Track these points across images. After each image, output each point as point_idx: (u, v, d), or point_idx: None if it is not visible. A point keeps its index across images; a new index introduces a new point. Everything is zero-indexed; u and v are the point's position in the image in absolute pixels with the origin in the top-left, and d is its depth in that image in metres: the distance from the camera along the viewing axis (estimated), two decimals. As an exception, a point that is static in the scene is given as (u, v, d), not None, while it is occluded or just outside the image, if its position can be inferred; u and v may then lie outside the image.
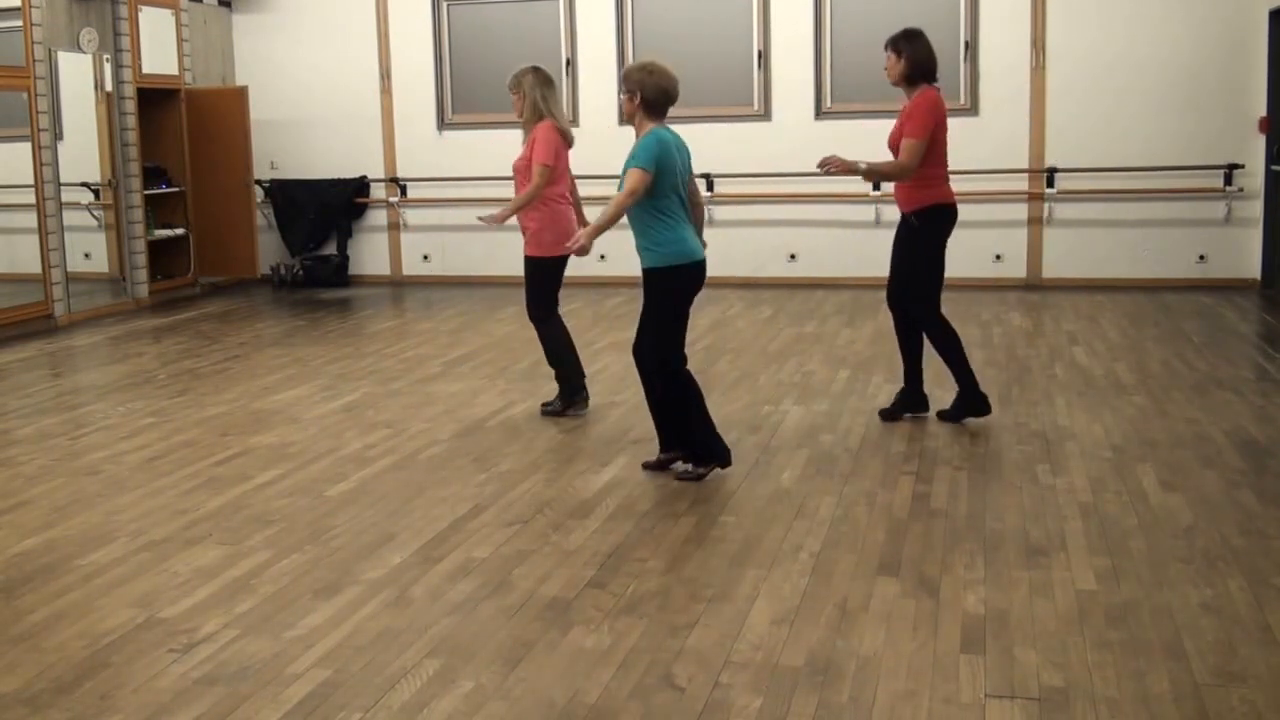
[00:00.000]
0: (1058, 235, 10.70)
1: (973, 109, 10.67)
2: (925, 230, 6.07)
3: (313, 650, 3.68)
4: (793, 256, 11.08)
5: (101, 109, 10.58)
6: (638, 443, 5.91)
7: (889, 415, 6.29)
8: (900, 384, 6.41)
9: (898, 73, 6.11)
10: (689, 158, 5.32)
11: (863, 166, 6.05)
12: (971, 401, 6.17)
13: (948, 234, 6.14)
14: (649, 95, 5.23)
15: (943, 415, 6.23)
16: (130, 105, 10.67)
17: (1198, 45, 10.23)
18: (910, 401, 6.33)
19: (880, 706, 3.26)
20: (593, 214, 5.93)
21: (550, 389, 6.70)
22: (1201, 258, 10.46)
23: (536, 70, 6.44)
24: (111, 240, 10.76)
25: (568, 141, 6.41)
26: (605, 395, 6.93)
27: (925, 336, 6.21)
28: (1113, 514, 4.76)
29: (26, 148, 9.58)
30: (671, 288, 5.21)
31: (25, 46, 9.52)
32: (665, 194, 5.15)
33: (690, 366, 7.57)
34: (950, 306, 9.64)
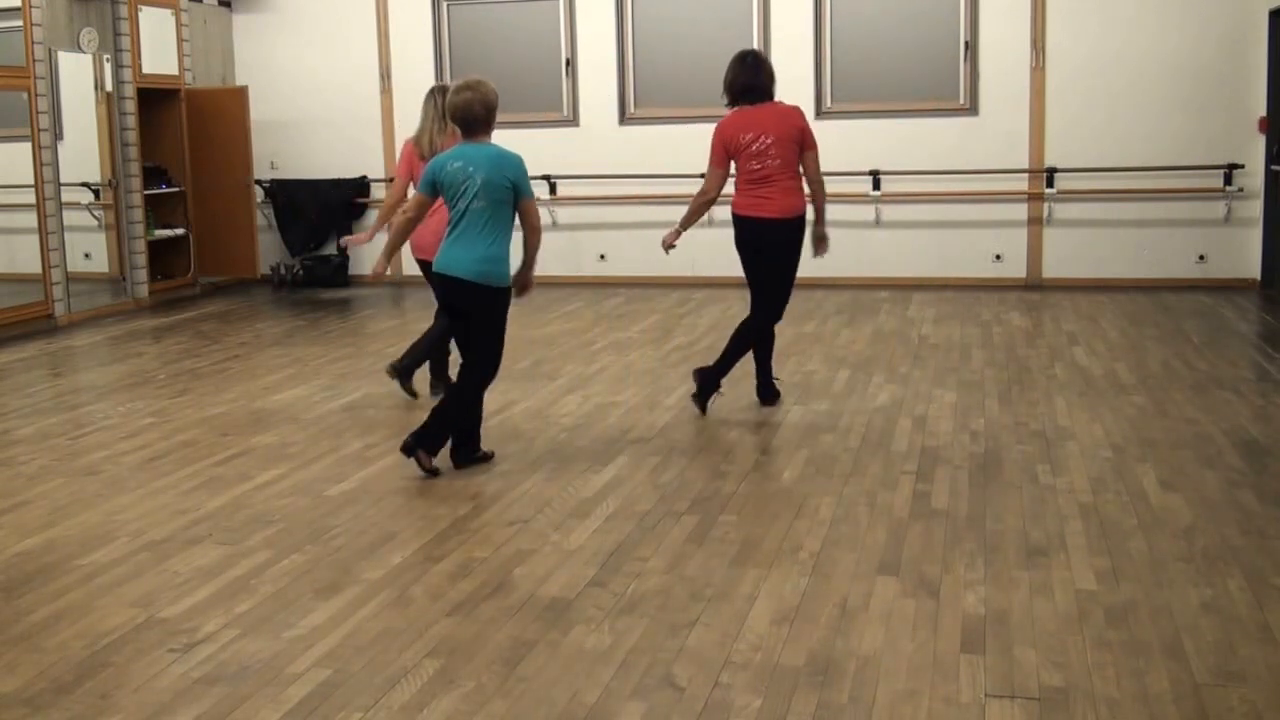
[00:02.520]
0: (1058, 235, 10.70)
1: (972, 109, 10.67)
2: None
3: (313, 650, 3.68)
4: (793, 256, 11.06)
5: (102, 109, 10.58)
6: (637, 442, 5.92)
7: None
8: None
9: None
10: (489, 173, 5.26)
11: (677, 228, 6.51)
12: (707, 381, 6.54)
13: (741, 242, 6.43)
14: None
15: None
16: (130, 105, 10.67)
17: (1198, 45, 10.23)
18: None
19: (880, 706, 3.26)
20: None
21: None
22: (1201, 258, 10.46)
23: None
24: (112, 240, 10.77)
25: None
26: (605, 395, 6.93)
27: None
28: (1113, 514, 4.76)
29: (27, 148, 9.58)
30: None
31: (25, 46, 9.52)
32: (450, 207, 5.41)
33: (691, 367, 7.57)
34: (951, 306, 9.72)
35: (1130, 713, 3.20)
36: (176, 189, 11.27)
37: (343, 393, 7.18)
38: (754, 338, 6.50)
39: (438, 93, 6.70)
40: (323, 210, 12.07)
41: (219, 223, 11.46)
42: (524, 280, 5.54)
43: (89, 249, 10.63)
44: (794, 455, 5.68)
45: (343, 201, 12.08)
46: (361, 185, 12.13)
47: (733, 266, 11.40)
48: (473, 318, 5.43)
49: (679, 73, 11.30)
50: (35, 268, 9.72)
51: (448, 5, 11.79)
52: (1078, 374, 7.24)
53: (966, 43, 10.63)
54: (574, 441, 6.01)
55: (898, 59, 10.73)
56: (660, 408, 6.62)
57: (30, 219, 9.66)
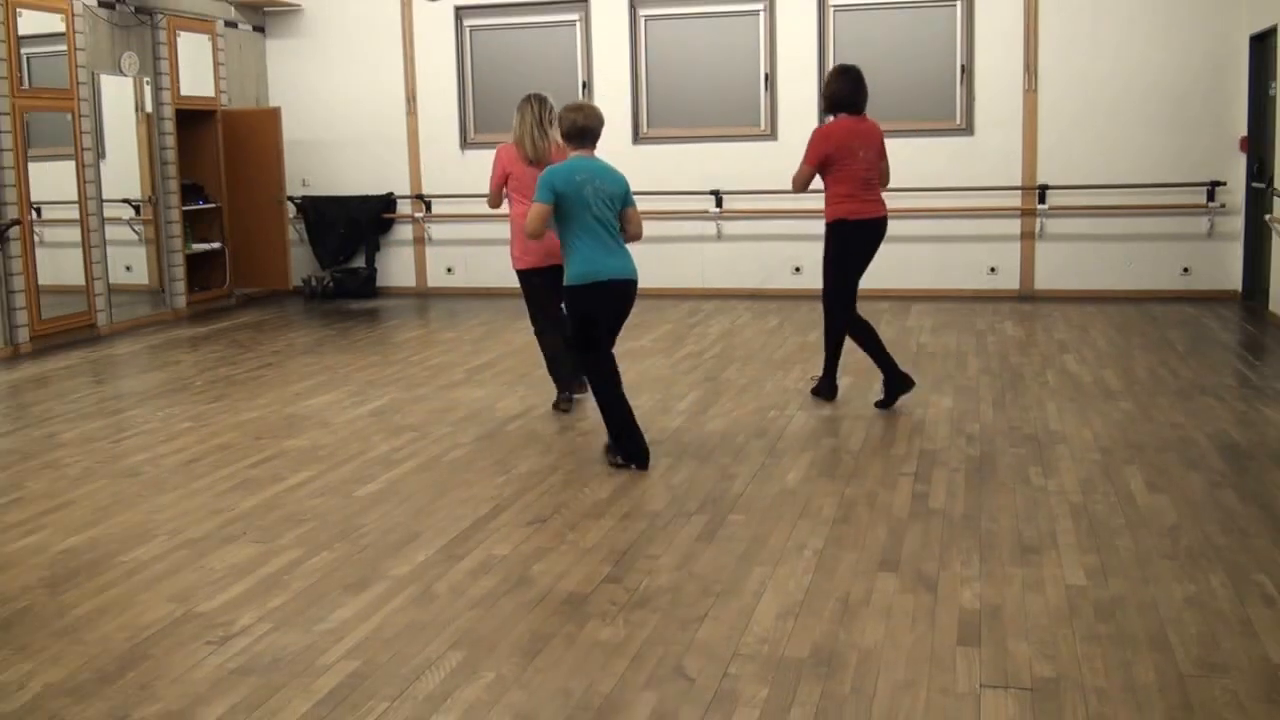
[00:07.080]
0: (1049, 249, 10.68)
1: (968, 129, 10.66)
2: (830, 241, 6.58)
3: (342, 643, 3.70)
4: (798, 269, 11.07)
5: (142, 129, 10.63)
6: (650, 445, 5.91)
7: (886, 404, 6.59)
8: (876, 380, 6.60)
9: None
10: (609, 183, 5.56)
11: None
12: (892, 384, 6.58)
13: (851, 247, 6.57)
14: (564, 129, 5.64)
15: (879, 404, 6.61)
16: (169, 125, 10.72)
17: (1182, 69, 10.22)
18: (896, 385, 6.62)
19: (880, 696, 3.27)
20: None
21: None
22: (1185, 270, 10.44)
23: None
24: (151, 254, 10.80)
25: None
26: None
27: (844, 332, 6.72)
28: (1101, 514, 4.76)
29: (71, 166, 9.63)
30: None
31: (70, 70, 9.57)
32: (572, 218, 5.49)
33: (701, 374, 7.60)
34: (947, 316, 9.72)
35: (1118, 702, 3.20)
36: (213, 205, 11.31)
37: (370, 399, 7.20)
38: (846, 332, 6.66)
39: (534, 101, 6.60)
40: (351, 225, 12.11)
41: (253, 237, 11.51)
42: None
43: (130, 262, 10.66)
44: (798, 458, 5.68)
45: (370, 217, 12.12)
46: (388, 202, 12.16)
47: (741, 278, 11.42)
48: (625, 313, 5.72)
49: (690, 94, 11.32)
50: (79, 280, 9.76)
51: (470, 30, 11.82)
52: (1068, 381, 7.23)
53: (963, 66, 10.63)
54: (590, 444, 6.01)
55: (898, 81, 10.70)
56: (672, 412, 6.62)
57: (74, 234, 9.70)
